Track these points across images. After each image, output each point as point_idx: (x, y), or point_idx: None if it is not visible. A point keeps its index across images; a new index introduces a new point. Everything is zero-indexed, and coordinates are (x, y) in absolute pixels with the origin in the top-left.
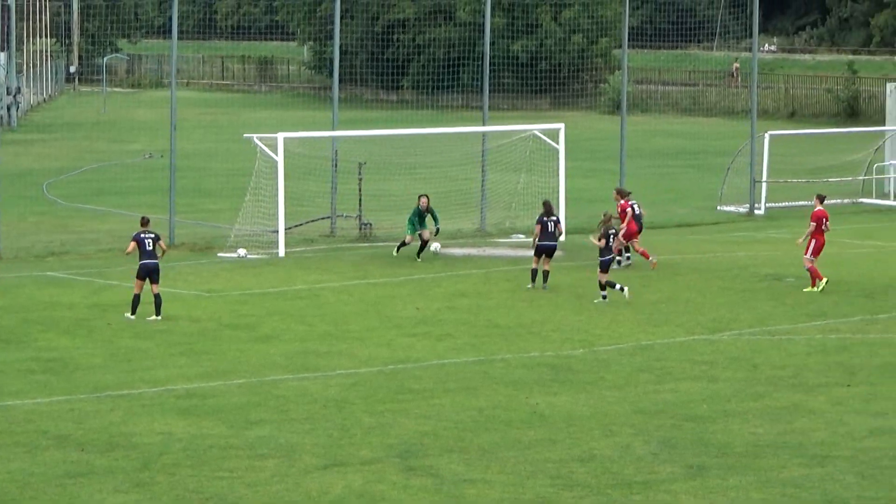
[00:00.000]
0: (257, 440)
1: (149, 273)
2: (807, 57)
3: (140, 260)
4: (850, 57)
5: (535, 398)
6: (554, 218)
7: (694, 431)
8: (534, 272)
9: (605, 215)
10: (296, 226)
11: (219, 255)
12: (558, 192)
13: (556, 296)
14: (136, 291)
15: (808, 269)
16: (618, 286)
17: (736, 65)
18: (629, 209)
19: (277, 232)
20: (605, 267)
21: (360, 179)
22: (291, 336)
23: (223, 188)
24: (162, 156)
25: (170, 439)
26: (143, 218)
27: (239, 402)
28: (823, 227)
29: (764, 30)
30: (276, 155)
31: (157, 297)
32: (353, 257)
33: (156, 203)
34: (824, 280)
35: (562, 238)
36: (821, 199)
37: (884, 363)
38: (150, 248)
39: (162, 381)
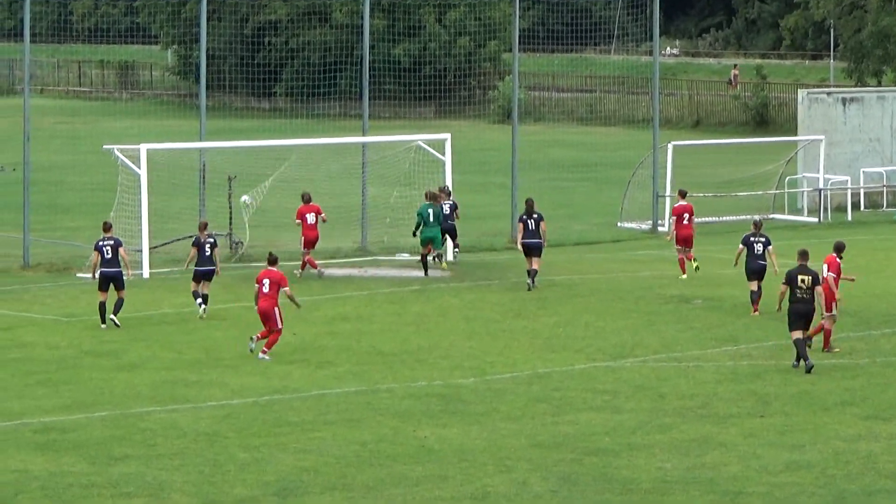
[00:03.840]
0: (122, 477)
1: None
2: (712, 61)
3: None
4: (759, 61)
5: (424, 431)
6: (535, 216)
7: (596, 466)
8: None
9: None
10: (161, 245)
11: (78, 275)
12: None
13: (444, 319)
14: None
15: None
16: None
17: (735, 71)
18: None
19: (141, 251)
20: None
21: (230, 194)
22: (158, 364)
23: (82, 204)
24: (14, 169)
25: (26, 477)
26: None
27: (102, 436)
28: (686, 222)
29: (665, 32)
30: (139, 168)
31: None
32: (224, 279)
33: (8, 220)
34: (694, 265)
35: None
36: (682, 194)
37: (799, 392)
38: (110, 255)
39: (17, 414)
